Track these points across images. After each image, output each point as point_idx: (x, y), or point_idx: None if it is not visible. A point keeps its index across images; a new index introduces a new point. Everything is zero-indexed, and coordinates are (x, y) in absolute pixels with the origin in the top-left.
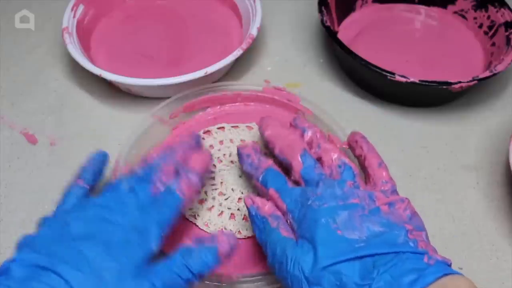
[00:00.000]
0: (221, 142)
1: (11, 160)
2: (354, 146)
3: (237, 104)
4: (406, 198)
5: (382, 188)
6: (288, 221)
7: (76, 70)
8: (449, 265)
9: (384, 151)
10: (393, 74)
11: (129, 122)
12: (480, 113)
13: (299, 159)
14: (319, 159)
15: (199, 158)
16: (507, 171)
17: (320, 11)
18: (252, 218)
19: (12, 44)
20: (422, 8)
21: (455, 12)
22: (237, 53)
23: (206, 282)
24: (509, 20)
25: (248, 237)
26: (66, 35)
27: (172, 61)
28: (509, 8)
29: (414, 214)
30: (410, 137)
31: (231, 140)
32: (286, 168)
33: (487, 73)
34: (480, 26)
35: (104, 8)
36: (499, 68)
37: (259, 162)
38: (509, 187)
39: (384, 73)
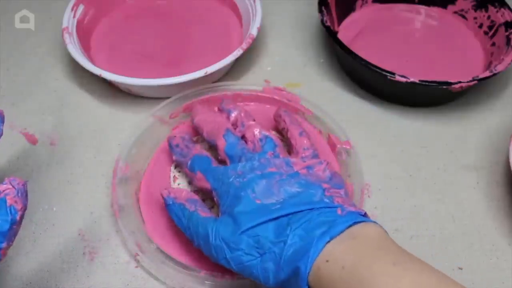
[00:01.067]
0: None
1: (11, 160)
2: (278, 120)
3: (237, 104)
4: (325, 160)
5: (303, 154)
6: (215, 199)
7: (76, 70)
8: (363, 215)
9: (384, 151)
10: (393, 74)
11: (129, 122)
12: (480, 113)
13: (223, 138)
14: (243, 137)
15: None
16: (507, 171)
17: (320, 11)
18: (170, 207)
19: (12, 44)
20: (422, 8)
21: (455, 12)
22: (237, 53)
23: (206, 282)
24: (509, 20)
25: None
26: (66, 35)
27: (172, 61)
28: (509, 8)
29: (334, 174)
30: (410, 137)
31: None
32: (213, 147)
33: (487, 73)
34: (480, 26)
35: (104, 8)
36: (499, 68)
37: (188, 150)
38: (509, 187)
39: (384, 73)
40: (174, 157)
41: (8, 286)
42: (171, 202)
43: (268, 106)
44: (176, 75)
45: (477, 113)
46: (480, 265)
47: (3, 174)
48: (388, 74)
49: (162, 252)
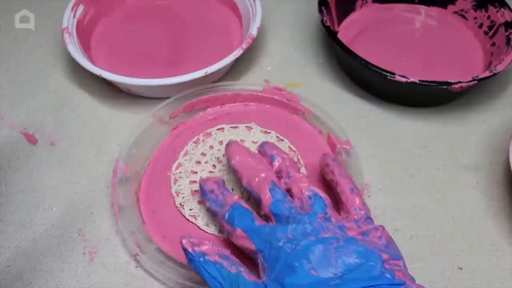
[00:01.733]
0: (220, 142)
1: (11, 160)
2: (325, 170)
3: (237, 104)
4: (381, 226)
5: (355, 216)
6: (259, 261)
7: (76, 70)
8: None
9: (384, 151)
10: (393, 74)
11: (129, 122)
12: (480, 113)
13: (268, 193)
14: (288, 190)
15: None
16: (507, 171)
17: (320, 11)
18: (199, 266)
19: (12, 44)
20: (422, 8)
21: (455, 12)
22: (237, 53)
23: None
24: (509, 20)
25: None
26: (66, 35)
27: (172, 61)
28: (509, 8)
29: (389, 241)
30: (410, 137)
31: None
32: (254, 199)
33: (487, 73)
34: (480, 26)
35: (104, 8)
36: (499, 68)
37: (224, 198)
38: (509, 187)
39: (384, 73)
40: (206, 204)
41: (8, 286)
42: (201, 260)
43: (268, 106)
44: (176, 75)
45: (477, 113)
46: (480, 265)
47: (3, 174)
48: (388, 74)
49: (162, 252)
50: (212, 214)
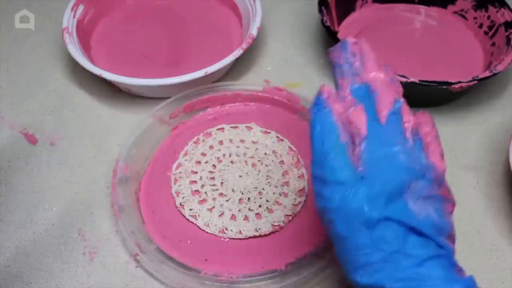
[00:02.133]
0: (220, 142)
1: (11, 160)
2: None
3: (237, 104)
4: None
5: None
6: (359, 147)
7: (76, 70)
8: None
9: None
10: None
11: (129, 122)
12: (480, 113)
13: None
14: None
15: None
16: (507, 171)
17: (320, 11)
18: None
19: (12, 44)
20: (422, 8)
21: (455, 12)
22: (237, 53)
23: (206, 282)
24: (509, 20)
25: (249, 237)
26: (66, 35)
27: (172, 61)
28: (509, 8)
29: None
30: None
31: (230, 141)
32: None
33: (487, 73)
34: (480, 26)
35: (104, 8)
36: (499, 68)
37: (361, 68)
38: (509, 187)
39: None
40: (337, 66)
41: (8, 286)
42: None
43: (268, 106)
44: (176, 75)
45: (477, 113)
46: (480, 265)
47: (3, 174)
48: None
49: (162, 252)
50: (335, 78)
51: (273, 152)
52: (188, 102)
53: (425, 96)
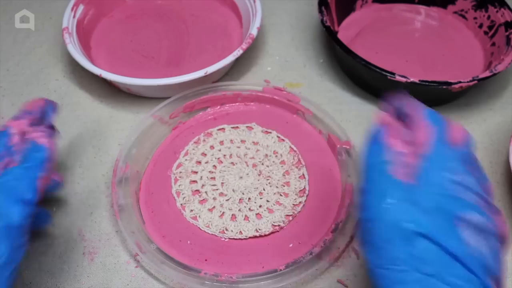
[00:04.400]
0: (221, 142)
1: None
2: None
3: (237, 104)
4: None
5: None
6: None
7: (76, 70)
8: None
9: None
10: (393, 74)
11: (129, 122)
12: (480, 113)
13: None
14: None
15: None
16: (507, 171)
17: (320, 11)
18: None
19: (12, 44)
20: (422, 8)
21: (455, 12)
22: (237, 53)
23: (206, 282)
24: (509, 20)
25: (249, 237)
26: (66, 35)
27: (172, 61)
28: (509, 8)
29: None
30: None
31: (231, 141)
32: None
33: (487, 73)
34: (480, 26)
35: (104, 8)
36: (499, 68)
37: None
38: (509, 187)
39: (384, 73)
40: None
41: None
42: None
43: (268, 106)
44: (176, 75)
45: (477, 113)
46: None
47: None
48: (388, 74)
49: (162, 252)
50: None
51: (274, 152)
52: (188, 102)
53: (425, 96)
